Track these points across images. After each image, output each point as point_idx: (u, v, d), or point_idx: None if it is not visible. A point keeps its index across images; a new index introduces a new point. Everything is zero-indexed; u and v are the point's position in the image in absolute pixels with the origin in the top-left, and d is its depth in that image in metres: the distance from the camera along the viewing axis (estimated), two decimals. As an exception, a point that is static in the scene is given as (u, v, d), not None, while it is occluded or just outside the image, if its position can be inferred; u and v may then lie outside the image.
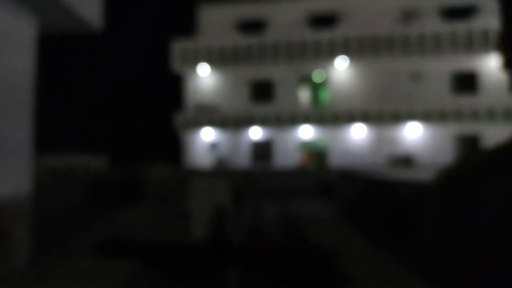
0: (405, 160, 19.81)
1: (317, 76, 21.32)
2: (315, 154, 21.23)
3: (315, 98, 21.79)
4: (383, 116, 19.47)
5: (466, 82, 19.77)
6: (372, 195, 6.87)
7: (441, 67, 19.78)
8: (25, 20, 5.08)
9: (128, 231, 7.84)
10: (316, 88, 21.69)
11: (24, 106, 5.14)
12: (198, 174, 14.74)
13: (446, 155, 19.46)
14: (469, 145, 19.64)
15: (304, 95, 22.12)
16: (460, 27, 18.85)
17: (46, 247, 6.10)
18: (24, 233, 5.13)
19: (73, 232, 7.71)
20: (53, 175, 12.18)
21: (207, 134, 21.71)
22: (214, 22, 22.54)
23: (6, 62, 4.79)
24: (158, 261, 5.59)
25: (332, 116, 19.92)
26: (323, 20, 21.47)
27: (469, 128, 19.38)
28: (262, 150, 21.39)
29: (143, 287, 4.55)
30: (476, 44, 18.61)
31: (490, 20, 18.84)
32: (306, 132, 20.91)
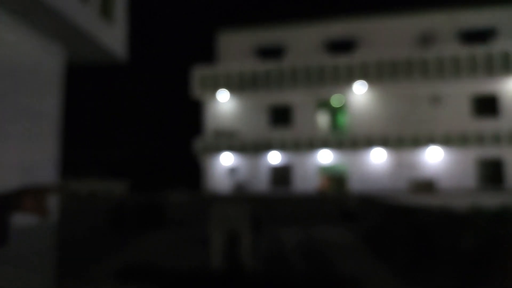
0: (427, 185, 19.36)
1: (335, 101, 21.33)
2: (335, 178, 21.00)
3: (334, 123, 21.74)
4: (402, 140, 19.21)
5: (487, 105, 19.41)
6: (394, 221, 6.72)
7: (460, 91, 19.52)
8: (52, 52, 5.32)
9: (148, 257, 7.85)
10: (334, 112, 21.67)
11: (51, 135, 5.31)
12: (217, 199, 14.74)
13: (468, 179, 18.95)
14: (491, 169, 19.11)
15: (322, 119, 22.11)
16: (479, 50, 18.68)
17: (68, 271, 6.15)
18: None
19: (94, 257, 7.77)
20: (75, 200, 12.39)
21: (227, 159, 21.79)
22: (233, 49, 22.99)
23: (35, 92, 5.00)
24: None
25: (351, 141, 19.77)
26: (341, 45, 21.62)
27: (491, 152, 18.89)
28: (281, 174, 21.30)
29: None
30: (495, 67, 18.36)
31: (510, 42, 18.65)
32: (325, 157, 20.76)
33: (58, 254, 5.56)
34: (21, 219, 4.33)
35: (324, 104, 21.58)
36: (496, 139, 18.28)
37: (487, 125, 18.87)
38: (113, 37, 5.77)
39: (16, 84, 4.67)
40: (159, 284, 5.74)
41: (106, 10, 5.63)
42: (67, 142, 5.57)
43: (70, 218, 10.15)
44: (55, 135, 5.40)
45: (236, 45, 22.99)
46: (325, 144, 20.04)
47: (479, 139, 18.46)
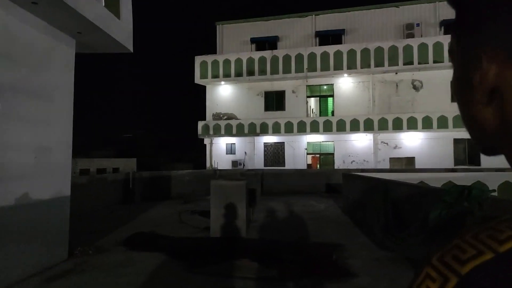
0: (407, 162, 19.59)
1: (324, 86, 21.30)
2: (323, 157, 21.18)
3: (323, 107, 21.78)
4: (385, 123, 19.29)
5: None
6: (372, 195, 6.86)
7: (441, 76, 19.49)
8: (64, 41, 5.29)
9: (155, 227, 7.99)
10: (323, 97, 21.68)
11: (65, 117, 5.34)
12: (216, 175, 14.88)
13: (447, 159, 19.16)
14: (468, 149, 19.27)
15: (312, 104, 22.13)
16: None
17: (81, 241, 6.29)
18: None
19: (105, 228, 7.91)
20: (88, 177, 12.47)
21: (225, 140, 21.92)
22: (232, 39, 22.83)
23: (50, 78, 5.01)
24: (181, 254, 5.71)
25: (338, 124, 19.84)
26: (331, 35, 21.48)
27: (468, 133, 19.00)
28: (275, 153, 21.46)
29: (168, 278, 4.66)
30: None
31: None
32: (314, 138, 20.89)
33: (72, 225, 5.67)
34: (36, 193, 4.43)
35: (314, 90, 21.57)
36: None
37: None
38: (119, 27, 5.73)
39: (31, 70, 4.68)
40: (165, 251, 5.88)
41: (112, 2, 5.58)
42: (79, 123, 5.60)
43: (83, 193, 10.27)
44: (68, 117, 5.43)
45: (234, 36, 22.83)
46: (314, 126, 20.11)
47: (458, 121, 18.52)
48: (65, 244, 5.41)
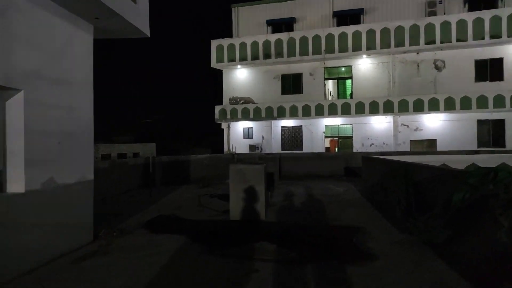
0: (428, 145, 19.17)
1: (342, 68, 20.90)
2: (341, 140, 20.96)
3: (341, 89, 21.43)
4: (406, 105, 18.84)
5: (491, 69, 18.63)
6: (393, 177, 6.75)
7: (465, 55, 18.74)
8: (83, 28, 5.32)
9: (175, 210, 8.14)
10: (341, 80, 21.30)
11: (86, 103, 5.42)
12: (234, 159, 14.96)
13: (470, 140, 18.64)
14: (493, 130, 18.66)
15: (330, 86, 21.79)
16: (486, 14, 17.72)
17: (105, 224, 6.47)
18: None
19: (128, 211, 8.10)
20: (110, 161, 12.73)
21: (243, 124, 21.93)
22: (248, 22, 22.55)
23: (70, 63, 5.07)
24: (201, 237, 5.80)
25: (357, 106, 19.50)
26: (348, 16, 20.91)
27: (493, 115, 18.36)
28: (293, 137, 21.36)
29: (189, 259, 4.76)
30: (501, 31, 17.48)
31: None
32: (333, 121, 20.65)
33: (96, 208, 5.82)
34: (61, 178, 4.54)
35: (332, 72, 21.20)
36: (499, 101, 17.68)
37: (491, 88, 18.24)
38: (136, 12, 5.71)
39: (53, 57, 4.74)
40: (185, 233, 5.99)
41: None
42: (100, 110, 5.68)
43: (106, 178, 10.51)
44: (89, 102, 5.51)
45: (250, 18, 22.53)
46: (332, 109, 19.84)
47: (482, 102, 17.90)
48: (90, 227, 5.58)
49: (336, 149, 20.94)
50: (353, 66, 20.42)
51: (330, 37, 19.70)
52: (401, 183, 5.96)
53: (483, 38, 17.71)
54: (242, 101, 21.76)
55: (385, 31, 18.90)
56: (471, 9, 18.98)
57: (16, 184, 4.23)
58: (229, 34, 22.78)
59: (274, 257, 4.77)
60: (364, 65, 20.26)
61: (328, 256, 4.71)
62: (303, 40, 20.07)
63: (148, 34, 6.15)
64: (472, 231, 3.73)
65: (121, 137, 47.09)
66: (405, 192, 5.68)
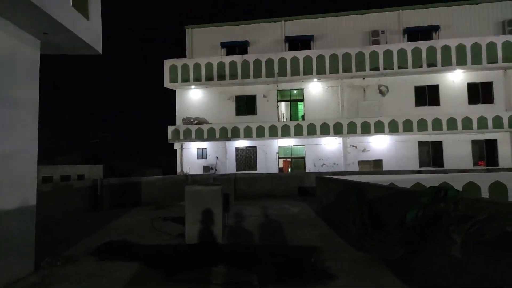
0: (375, 165, 20.13)
1: (294, 91, 21.55)
2: (294, 161, 21.37)
3: (293, 111, 22.02)
4: (354, 127, 19.76)
5: (429, 94, 20.21)
6: (347, 197, 6.94)
7: (406, 82, 20.22)
8: (28, 42, 4.99)
9: (127, 235, 7.69)
10: (293, 102, 21.92)
11: (29, 121, 5.02)
12: (188, 181, 14.61)
13: (412, 160, 19.87)
14: (432, 151, 20.06)
15: (283, 108, 22.33)
16: (423, 45, 19.32)
17: (48, 252, 5.93)
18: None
19: (74, 237, 7.52)
20: (53, 184, 11.85)
21: (196, 144, 21.64)
22: (202, 43, 22.66)
23: (13, 80, 4.69)
24: (157, 262, 5.50)
25: (308, 128, 20.11)
26: (300, 41, 21.80)
27: (432, 136, 19.80)
28: (247, 158, 21.42)
29: (145, 287, 4.47)
30: (436, 60, 19.11)
31: (449, 38, 19.48)
32: (286, 142, 21.06)
33: (37, 235, 5.32)
34: (1, 203, 4.11)
35: (285, 94, 21.78)
36: (437, 124, 19.13)
37: (429, 112, 19.72)
38: (88, 28, 5.48)
39: (-8, 72, 4.36)
40: (139, 259, 5.65)
41: (80, 1, 5.33)
42: (42, 128, 5.27)
43: (49, 201, 9.75)
44: (33, 121, 5.11)
45: (204, 40, 22.68)
46: (285, 130, 20.27)
47: (422, 125, 19.26)
48: (31, 256, 5.07)
49: (289, 169, 21.29)
50: (304, 89, 21.15)
51: (282, 61, 20.33)
52: (355, 202, 6.13)
53: (421, 66, 19.24)
54: (196, 122, 21.54)
55: (333, 57, 19.89)
56: (409, 39, 20.65)
57: None
58: (183, 54, 22.71)
59: (233, 280, 4.62)
60: (315, 89, 21.06)
61: (288, 277, 4.66)
62: (257, 63, 20.50)
63: (101, 51, 5.91)
64: (426, 248, 3.89)
65: (66, 158, 44.35)
66: (360, 211, 5.84)
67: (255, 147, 21.28)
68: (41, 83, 5.31)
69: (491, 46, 18.69)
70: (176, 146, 21.86)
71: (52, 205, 9.97)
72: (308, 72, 20.11)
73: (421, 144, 20.13)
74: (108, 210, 12.01)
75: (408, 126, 19.38)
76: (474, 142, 19.75)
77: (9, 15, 4.40)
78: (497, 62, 18.69)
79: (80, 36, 5.21)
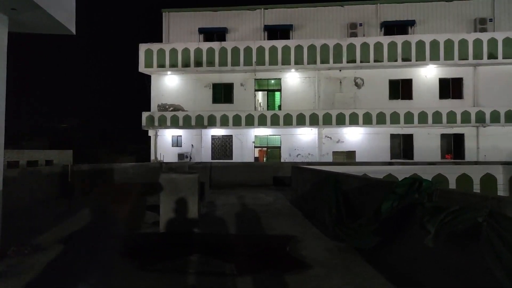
0: (348, 156, 20.53)
1: (272, 81, 21.53)
2: (270, 150, 21.47)
3: (270, 101, 22.02)
4: (329, 118, 20.01)
5: (403, 88, 20.71)
6: (321, 187, 7.04)
7: (381, 75, 20.61)
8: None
9: (97, 223, 7.50)
10: (271, 91, 21.91)
11: (-6, 104, 4.75)
12: (163, 168, 14.39)
13: (384, 152, 20.39)
14: (403, 143, 20.66)
15: (260, 98, 22.28)
16: (399, 39, 19.67)
17: (14, 240, 5.70)
18: None
19: (42, 225, 7.26)
20: (20, 169, 11.37)
21: (171, 132, 21.31)
22: (179, 28, 22.16)
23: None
24: (131, 251, 5.40)
25: (285, 118, 20.20)
26: (279, 30, 21.71)
27: (404, 129, 20.36)
28: (223, 146, 21.32)
29: (119, 277, 4.37)
30: (411, 55, 19.55)
31: (424, 34, 19.94)
32: (262, 131, 21.08)
33: (3, 223, 5.09)
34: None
35: (262, 84, 21.71)
36: (409, 118, 19.68)
37: (402, 105, 20.22)
38: (60, 6, 5.20)
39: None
40: (112, 248, 5.53)
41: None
42: (7, 110, 4.99)
43: (15, 188, 9.35)
44: (1, 105, 4.83)
45: (181, 25, 22.19)
46: (261, 120, 20.28)
47: (395, 118, 19.75)
48: (-3, 244, 4.85)
49: (265, 159, 21.39)
50: (282, 79, 21.17)
51: (261, 50, 20.20)
52: (330, 192, 6.22)
53: (396, 60, 19.64)
54: (171, 108, 21.16)
55: (311, 48, 19.95)
56: (386, 33, 20.99)
57: None
58: (159, 39, 22.13)
59: (209, 269, 4.61)
60: (293, 79, 21.12)
61: (264, 266, 4.69)
62: (235, 50, 20.29)
63: (74, 32, 5.63)
64: (400, 238, 4.00)
65: (33, 143, 42.62)
66: (335, 200, 5.94)
67: (231, 135, 21.20)
68: (8, 61, 5.02)
69: (463, 43, 19.30)
70: (151, 133, 21.45)
71: (19, 191, 9.57)
72: (286, 62, 20.11)
73: (393, 136, 20.68)
74: (79, 197, 11.67)
75: (381, 119, 19.84)
76: (443, 136, 20.49)
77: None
78: (467, 59, 19.36)
79: (51, 14, 4.93)
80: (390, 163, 16.60)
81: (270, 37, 21.66)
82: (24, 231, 6.64)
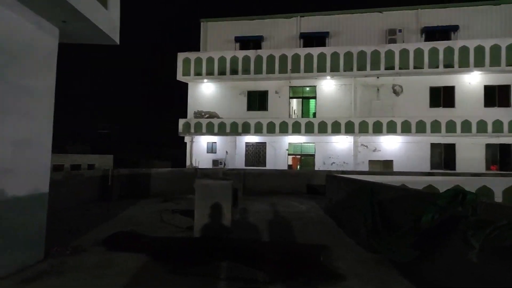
0: (386, 165, 19.92)
1: (307, 88, 21.41)
2: (303, 158, 21.27)
3: (305, 108, 21.87)
4: (366, 126, 19.56)
5: (444, 96, 19.86)
6: (357, 196, 6.87)
7: (421, 82, 19.89)
8: (47, 30, 5.01)
9: (135, 226, 7.74)
10: (305, 99, 21.77)
11: (46, 109, 5.06)
12: (198, 174, 14.65)
13: (424, 162, 19.59)
14: (445, 153, 19.76)
15: (294, 105, 22.20)
16: (441, 45, 18.96)
17: (57, 241, 6.00)
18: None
19: (83, 227, 7.60)
20: (64, 173, 12.01)
21: (206, 138, 21.69)
22: (216, 37, 22.64)
23: (32, 67, 4.72)
24: (164, 255, 5.52)
25: (320, 125, 19.97)
26: (315, 38, 21.62)
27: (445, 138, 19.49)
28: (256, 153, 21.39)
29: (151, 279, 4.48)
30: (453, 61, 18.76)
31: (468, 39, 19.09)
32: (296, 139, 20.97)
33: (47, 223, 5.37)
34: (13, 190, 4.15)
35: (297, 91, 21.65)
36: (451, 126, 18.83)
37: (443, 114, 19.39)
38: (106, 17, 5.49)
39: (11, 61, 4.39)
40: (147, 251, 5.68)
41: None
42: (54, 116, 5.30)
43: (60, 190, 9.86)
44: (49, 109, 5.15)
45: (218, 34, 22.66)
46: (296, 127, 20.18)
47: (435, 127, 18.96)
48: (42, 244, 5.13)
49: (298, 166, 21.21)
50: (317, 86, 20.99)
51: (296, 57, 20.18)
52: (366, 202, 6.06)
53: (437, 67, 18.91)
54: (207, 115, 21.56)
55: (348, 55, 19.67)
56: (427, 39, 20.30)
57: (-41, 195, 3.80)
58: (197, 48, 22.71)
59: (241, 275, 4.61)
60: (328, 86, 20.89)
61: (296, 275, 4.63)
62: (270, 58, 20.39)
63: (118, 42, 5.92)
64: (440, 252, 3.81)
65: (76, 147, 44.87)
66: (371, 211, 5.77)
67: (265, 143, 21.24)
68: (58, 71, 5.34)
69: (511, 48, 18.26)
70: (187, 139, 21.94)
71: (63, 193, 10.09)
72: (321, 69, 19.94)
73: (433, 145, 19.83)
74: (117, 200, 12.12)
75: (421, 127, 19.11)
76: (488, 146, 19.38)
77: (30, 3, 4.41)
78: (516, 65, 18.28)
79: (98, 25, 5.22)
80: (430, 174, 15.91)
81: (305, 45, 21.60)
82: (65, 232, 6.98)
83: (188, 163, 21.71)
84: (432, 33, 20.43)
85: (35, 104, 4.83)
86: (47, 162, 5.13)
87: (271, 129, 20.31)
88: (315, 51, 20.10)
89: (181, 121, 21.27)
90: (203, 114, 21.71)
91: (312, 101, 21.60)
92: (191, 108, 22.11)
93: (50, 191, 5.27)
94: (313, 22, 21.80)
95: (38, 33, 4.82)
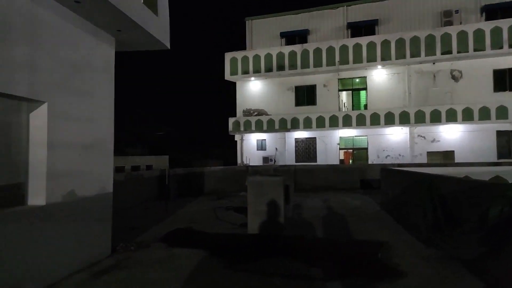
0: (446, 156, 18.78)
1: (356, 79, 20.79)
2: (356, 152, 20.71)
3: (355, 101, 21.27)
4: (422, 116, 18.57)
5: (511, 78, 18.25)
6: (415, 190, 6.56)
7: (483, 65, 18.44)
8: (105, 40, 5.36)
9: (192, 223, 8.05)
10: (355, 91, 21.16)
11: (107, 115, 5.43)
12: (249, 172, 14.86)
13: (489, 152, 18.18)
14: (511, 139, 18.20)
15: (344, 97, 21.67)
16: (503, 23, 17.45)
17: (122, 237, 6.41)
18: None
19: (144, 224, 8.05)
20: (125, 174, 12.80)
21: (256, 136, 21.90)
22: (261, 34, 22.75)
23: (93, 76, 5.09)
24: (221, 251, 5.69)
25: (372, 117, 19.31)
26: (363, 26, 20.90)
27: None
28: (306, 149, 21.21)
29: (210, 274, 4.64)
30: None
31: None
32: (347, 132, 20.46)
33: (113, 222, 5.76)
34: (81, 190, 4.49)
35: (346, 83, 21.10)
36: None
37: (510, 98, 17.85)
38: (157, 24, 5.75)
39: (75, 69, 4.76)
40: (204, 247, 5.89)
41: (151, 0, 5.61)
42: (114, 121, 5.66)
43: (122, 190, 10.51)
44: (110, 114, 5.52)
45: (263, 31, 22.75)
46: (346, 120, 19.69)
47: (501, 113, 17.49)
48: (109, 240, 5.52)
49: (351, 161, 20.68)
50: (367, 77, 20.30)
51: (344, 49, 19.67)
52: (426, 196, 5.77)
53: (501, 47, 17.43)
54: (255, 113, 21.77)
55: (400, 42, 18.78)
56: (488, 18, 18.77)
57: (37, 197, 4.21)
58: (243, 47, 22.99)
59: (296, 272, 4.62)
60: (379, 76, 20.12)
61: (353, 272, 4.55)
62: (317, 51, 20.08)
63: (169, 46, 6.18)
64: (510, 248, 3.54)
65: (134, 150, 47.47)
66: (431, 205, 5.49)
67: (315, 138, 20.97)
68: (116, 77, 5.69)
69: None
70: (237, 137, 22.32)
71: (124, 193, 10.74)
72: (371, 59, 19.24)
73: (500, 133, 18.32)
74: (174, 199, 12.67)
75: (485, 114, 17.75)
76: None
77: (89, 15, 4.76)
78: None
79: (150, 32, 5.49)
80: (497, 164, 14.74)
81: (353, 35, 20.95)
82: (129, 230, 7.44)
83: (239, 161, 22.09)
84: (494, 11, 18.83)
85: (97, 110, 5.20)
86: (110, 164, 5.51)
87: (320, 123, 20.01)
88: (364, 40, 19.44)
89: (231, 120, 21.68)
90: (251, 112, 21.95)
91: (362, 93, 20.94)
92: (240, 107, 22.45)
93: (113, 191, 5.65)
94: (361, 11, 21.07)
95: (97, 43, 5.19)
